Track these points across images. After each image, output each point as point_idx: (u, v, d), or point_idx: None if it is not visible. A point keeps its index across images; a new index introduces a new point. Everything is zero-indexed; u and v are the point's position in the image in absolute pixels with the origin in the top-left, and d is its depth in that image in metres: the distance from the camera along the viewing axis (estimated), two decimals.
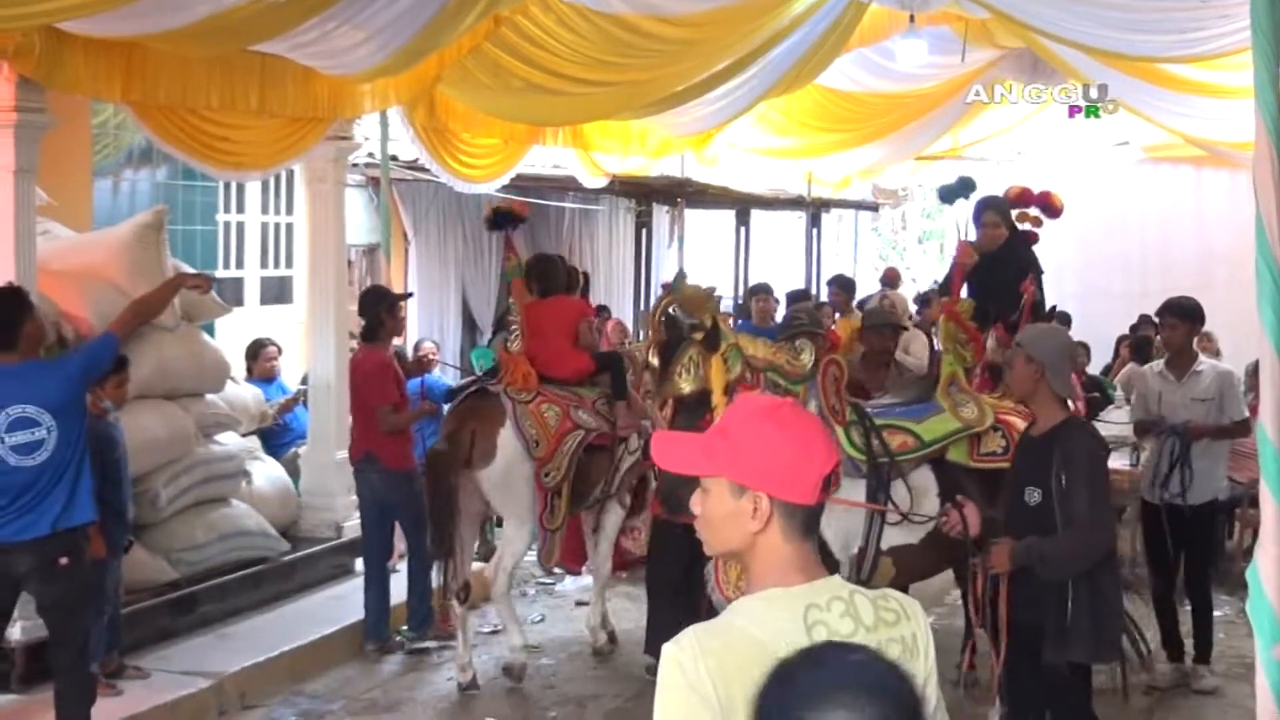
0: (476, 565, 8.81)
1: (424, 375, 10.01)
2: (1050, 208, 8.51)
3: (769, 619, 2.42)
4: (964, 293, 7.76)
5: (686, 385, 6.56)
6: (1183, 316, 8.09)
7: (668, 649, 2.38)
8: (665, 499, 7.26)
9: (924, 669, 2.50)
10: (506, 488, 8.10)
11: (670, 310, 6.92)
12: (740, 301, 14.98)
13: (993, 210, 8.50)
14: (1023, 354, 5.65)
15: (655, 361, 7.02)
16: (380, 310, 8.70)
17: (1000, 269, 8.20)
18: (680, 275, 6.93)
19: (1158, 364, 8.44)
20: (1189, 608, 8.32)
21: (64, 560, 6.18)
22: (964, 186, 8.38)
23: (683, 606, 6.97)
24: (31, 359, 6.34)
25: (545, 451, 8.08)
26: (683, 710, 2.35)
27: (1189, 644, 8.24)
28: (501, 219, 8.91)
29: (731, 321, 8.75)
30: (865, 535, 6.63)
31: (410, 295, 11.18)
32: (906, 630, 2.50)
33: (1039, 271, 8.47)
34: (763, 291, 12.86)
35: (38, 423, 6.11)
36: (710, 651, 2.37)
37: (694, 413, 6.50)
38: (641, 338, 12.02)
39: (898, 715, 1.83)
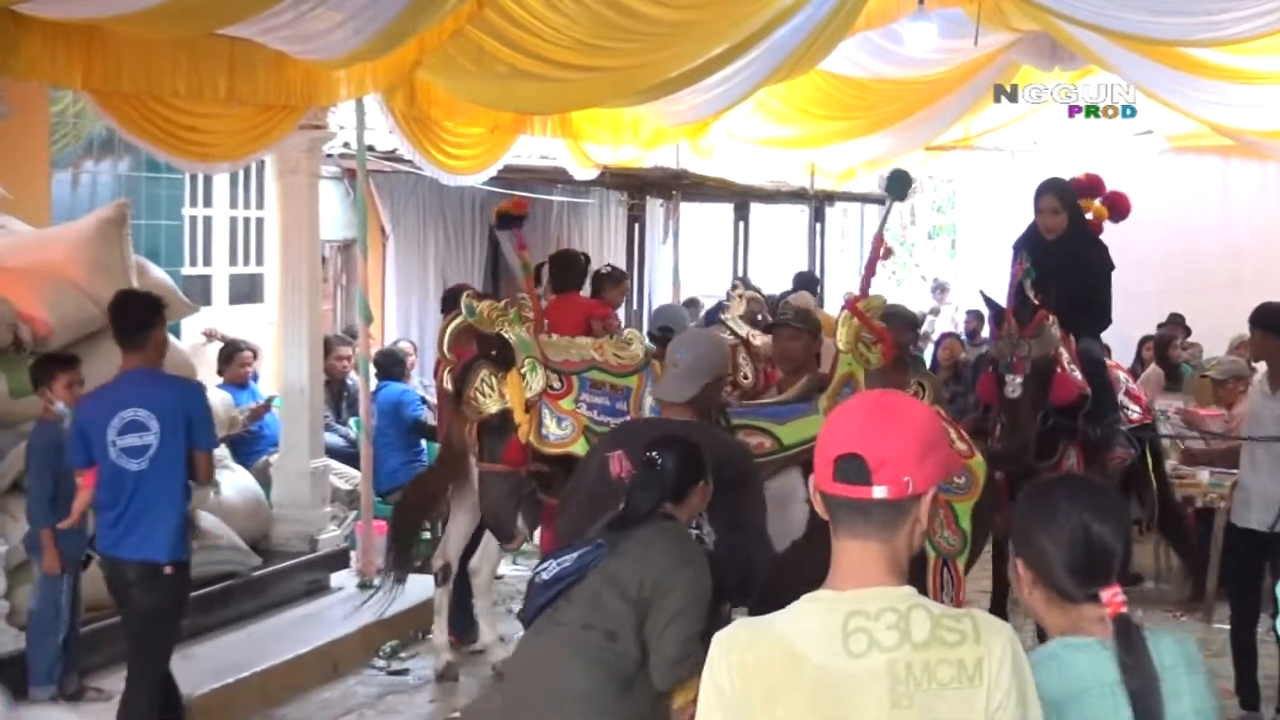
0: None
1: None
2: (1119, 208, 8.45)
3: (805, 620, 2.51)
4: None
5: (491, 406, 6.57)
6: (1270, 326, 7.65)
7: (713, 639, 2.58)
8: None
9: (985, 700, 2.46)
10: None
11: (506, 331, 6.74)
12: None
13: (1051, 194, 8.18)
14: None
15: (450, 387, 7.08)
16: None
17: (1058, 261, 7.98)
18: (472, 296, 6.86)
19: (1262, 373, 8.08)
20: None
21: (168, 570, 6.57)
22: (900, 183, 8.27)
23: None
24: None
25: None
26: (703, 702, 2.53)
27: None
28: (505, 220, 9.03)
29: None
30: None
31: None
32: (969, 654, 2.47)
33: (1109, 267, 8.32)
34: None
35: (146, 427, 6.53)
36: (736, 646, 2.52)
37: (498, 434, 6.53)
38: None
39: None
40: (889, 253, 7.75)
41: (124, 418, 6.52)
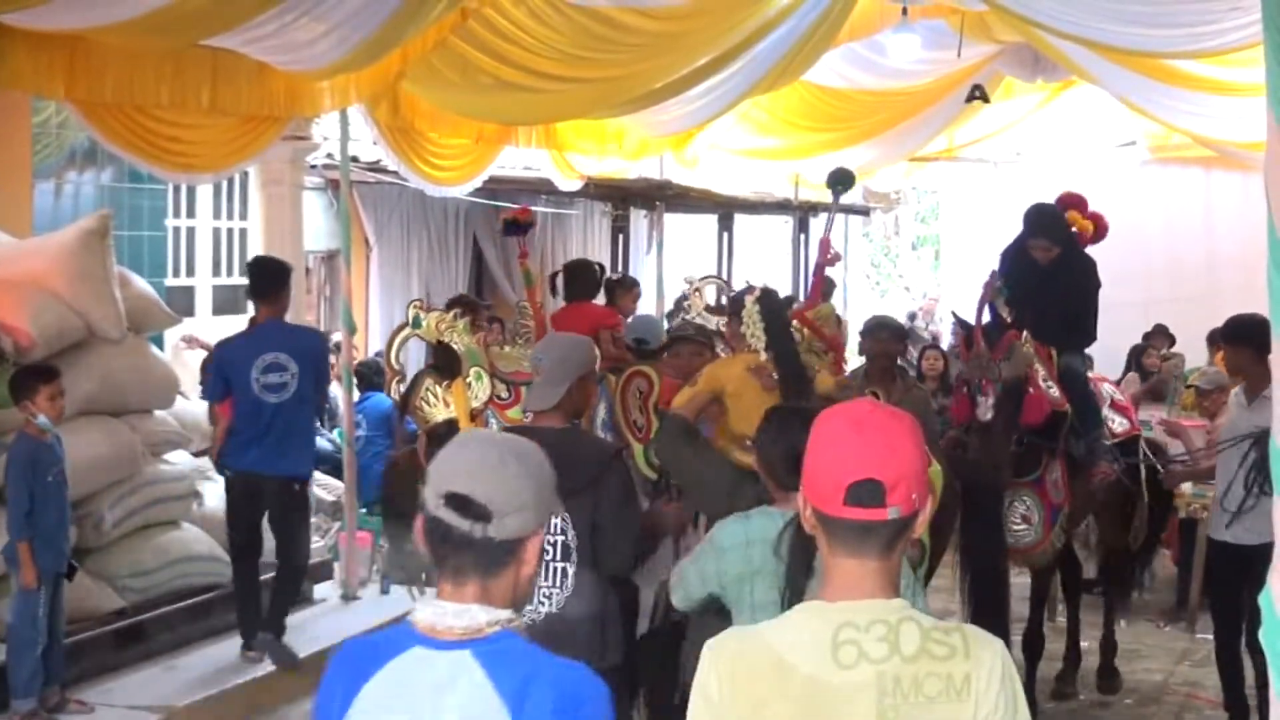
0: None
1: None
2: (1099, 230, 8.54)
3: (794, 630, 2.50)
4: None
5: (437, 415, 6.56)
6: (1237, 339, 7.60)
7: (703, 647, 2.57)
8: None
9: (972, 714, 2.45)
10: None
11: (451, 340, 6.74)
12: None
13: (1043, 237, 8.33)
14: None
15: (396, 397, 7.10)
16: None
17: (1044, 276, 8.14)
18: (419, 306, 6.84)
19: (1240, 386, 7.96)
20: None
21: (297, 486, 8.45)
22: (842, 180, 8.22)
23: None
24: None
25: None
26: (692, 710, 2.53)
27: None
28: (510, 228, 9.07)
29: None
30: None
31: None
32: (957, 669, 2.45)
33: (1095, 284, 8.41)
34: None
35: (285, 368, 8.12)
36: (724, 655, 2.52)
37: (445, 443, 6.52)
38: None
39: None
40: (836, 258, 7.69)
41: (266, 360, 8.08)
